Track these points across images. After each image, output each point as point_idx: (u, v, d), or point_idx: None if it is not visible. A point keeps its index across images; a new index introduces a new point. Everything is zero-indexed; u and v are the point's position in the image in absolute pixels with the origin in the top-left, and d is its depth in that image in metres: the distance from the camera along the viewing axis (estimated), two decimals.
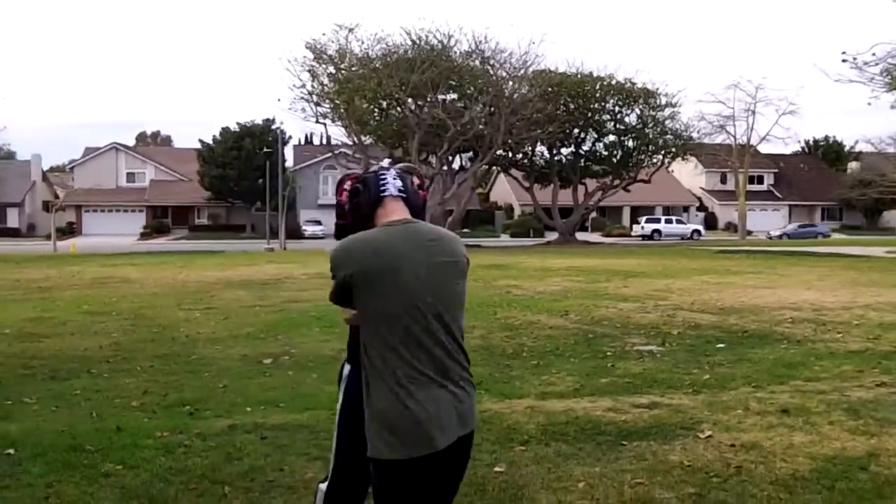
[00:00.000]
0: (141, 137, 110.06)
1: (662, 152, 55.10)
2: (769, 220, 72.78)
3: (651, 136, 53.28)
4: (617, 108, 52.69)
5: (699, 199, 76.06)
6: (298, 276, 21.89)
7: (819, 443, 5.73)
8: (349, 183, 3.11)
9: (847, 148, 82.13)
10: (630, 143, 53.62)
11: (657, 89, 52.14)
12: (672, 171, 67.96)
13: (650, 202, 67.94)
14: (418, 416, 2.75)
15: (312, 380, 8.40)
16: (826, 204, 76.07)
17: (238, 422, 6.50)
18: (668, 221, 63.23)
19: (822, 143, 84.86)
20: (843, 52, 31.80)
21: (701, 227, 64.27)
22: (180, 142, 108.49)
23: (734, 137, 62.26)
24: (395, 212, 3.02)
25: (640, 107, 52.62)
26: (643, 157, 54.88)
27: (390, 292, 2.82)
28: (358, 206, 3.06)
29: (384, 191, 3.03)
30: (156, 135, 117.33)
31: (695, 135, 57.25)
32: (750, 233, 63.76)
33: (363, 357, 2.88)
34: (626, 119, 53.15)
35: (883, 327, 11.69)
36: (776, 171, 77.98)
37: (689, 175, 75.11)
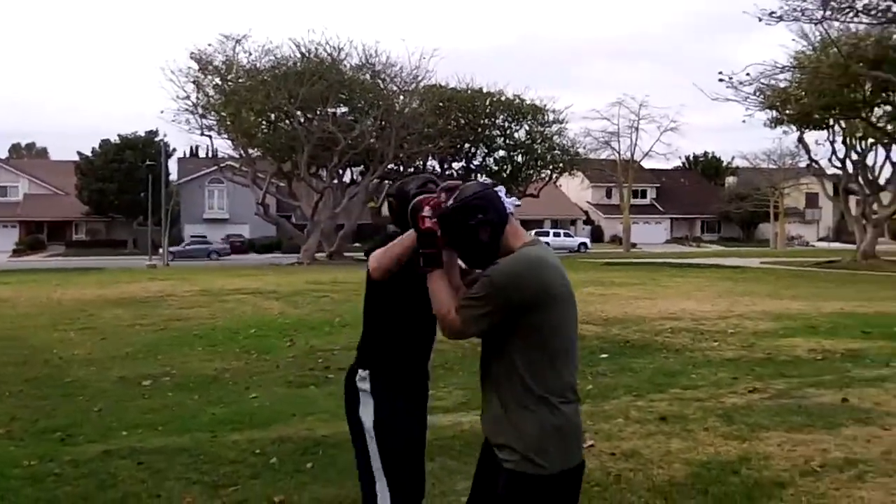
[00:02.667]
0: (14, 149, 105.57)
1: (550, 167, 56.17)
2: (652, 233, 75.11)
3: (540, 151, 54.24)
4: (506, 124, 53.47)
5: (586, 212, 77.83)
6: (181, 293, 21.31)
7: (694, 448, 5.89)
8: (429, 209, 2.84)
9: (725, 163, 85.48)
10: (519, 158, 54.48)
11: (545, 106, 53.25)
12: (560, 185, 69.31)
13: (539, 216, 69.07)
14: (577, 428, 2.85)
15: (194, 401, 8.18)
16: (706, 217, 78.95)
17: (113, 447, 6.25)
18: (557, 235, 64.31)
19: (701, 159, 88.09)
20: (720, 72, 33.12)
21: (587, 240, 65.64)
22: (57, 154, 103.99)
23: (618, 153, 63.95)
24: (521, 234, 2.95)
25: (529, 123, 53.53)
26: (532, 171, 55.84)
27: (568, 315, 2.88)
28: (488, 227, 2.82)
29: (508, 208, 2.92)
30: (30, 146, 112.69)
31: (581, 150, 58.63)
32: (634, 245, 65.48)
33: (508, 380, 2.80)
34: (516, 135, 53.97)
35: (757, 335, 12.16)
36: (658, 185, 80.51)
37: (576, 189, 76.84)
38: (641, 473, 5.37)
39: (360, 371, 3.42)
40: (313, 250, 43.78)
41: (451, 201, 2.88)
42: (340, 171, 47.75)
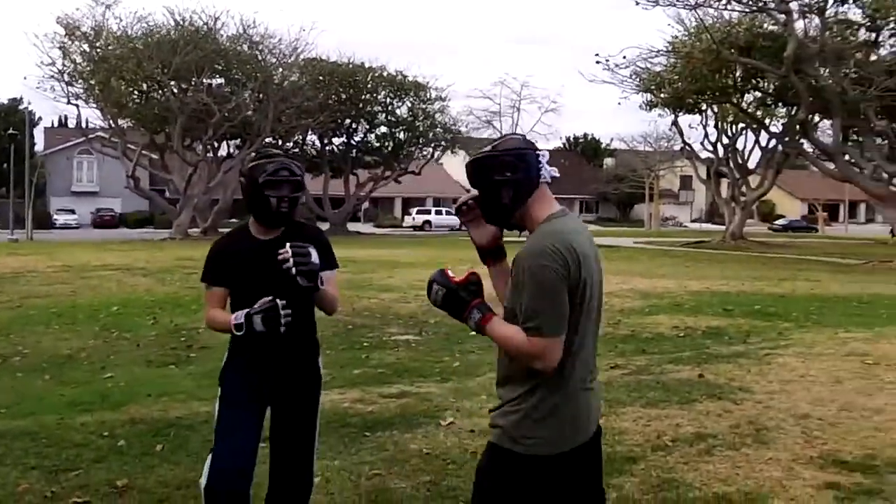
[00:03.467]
0: None
1: (433, 145, 56.19)
2: None
3: (422, 128, 54.09)
4: (388, 100, 53.06)
5: (468, 191, 77.88)
6: (43, 269, 20.34)
7: None
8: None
9: (604, 145, 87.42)
10: (401, 135, 54.18)
11: (428, 83, 53.02)
12: (442, 163, 69.51)
13: (421, 193, 69.17)
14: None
15: (44, 382, 7.80)
16: (584, 197, 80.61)
17: None
18: (439, 212, 64.53)
19: (581, 140, 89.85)
20: (597, 55, 33.61)
21: None
22: None
23: (500, 132, 64.45)
24: (550, 203, 2.70)
25: (412, 100, 53.28)
26: (414, 149, 55.69)
27: (594, 295, 2.63)
28: (511, 188, 2.63)
29: (542, 176, 2.69)
30: None
31: (463, 129, 58.77)
32: None
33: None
34: (398, 111, 53.64)
35: (623, 313, 12.44)
36: None
37: (458, 168, 77.11)
38: None
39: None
40: (186, 225, 42.55)
41: (489, 148, 2.74)
42: (216, 144, 46.44)
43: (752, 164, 45.17)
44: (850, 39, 29.64)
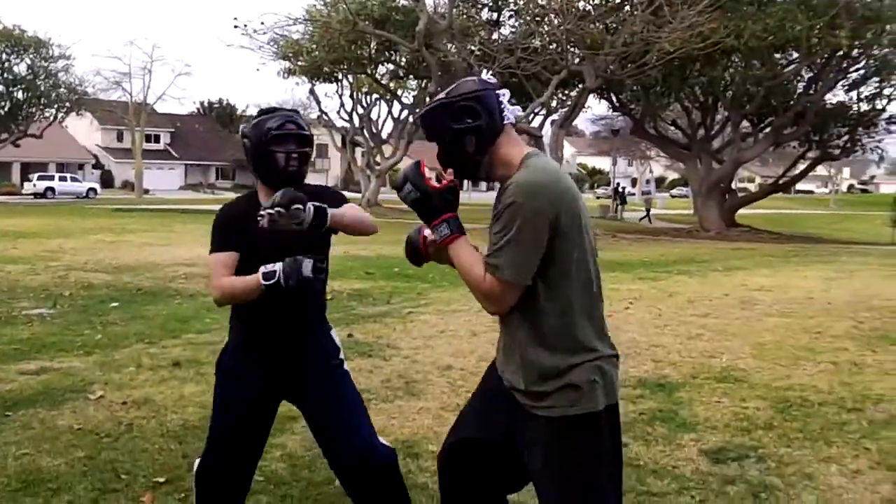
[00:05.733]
0: None
1: (56, 106, 52.08)
2: (167, 179, 73.32)
3: (43, 88, 49.90)
4: (4, 57, 48.21)
5: (95, 156, 73.50)
6: None
7: (208, 391, 5.82)
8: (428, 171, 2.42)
9: (239, 111, 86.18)
10: (20, 95, 49.58)
11: (49, 39, 49.03)
12: (66, 126, 64.53)
13: (43, 159, 63.69)
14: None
15: None
16: (220, 164, 79.02)
17: None
18: (63, 179, 59.76)
19: (216, 106, 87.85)
20: (235, 19, 33.08)
21: (97, 186, 62.01)
22: None
23: (130, 95, 61.18)
24: (520, 143, 2.38)
25: (31, 56, 48.89)
26: (34, 110, 51.32)
27: (585, 238, 2.41)
28: (474, 136, 2.34)
29: (506, 118, 2.37)
30: None
31: (90, 90, 55.12)
32: (147, 191, 63.46)
33: (548, 323, 2.40)
34: (16, 69, 48.96)
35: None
36: (173, 130, 78.68)
37: (84, 132, 72.08)
38: (154, 420, 5.20)
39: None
40: None
41: (442, 95, 2.42)
42: None
43: (385, 134, 47.09)
44: (475, 18, 31.86)
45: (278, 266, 2.91)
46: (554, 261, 2.36)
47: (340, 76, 42.68)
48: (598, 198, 69.07)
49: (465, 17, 31.05)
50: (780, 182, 38.84)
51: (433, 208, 2.43)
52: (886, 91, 31.53)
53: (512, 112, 2.46)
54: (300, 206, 2.80)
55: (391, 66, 40.17)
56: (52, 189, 57.24)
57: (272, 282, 2.90)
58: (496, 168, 2.46)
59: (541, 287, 2.38)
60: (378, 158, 46.10)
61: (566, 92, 33.37)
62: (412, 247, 2.64)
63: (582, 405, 2.41)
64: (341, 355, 3.37)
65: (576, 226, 2.38)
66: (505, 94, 2.47)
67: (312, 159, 3.34)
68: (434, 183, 2.42)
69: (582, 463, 2.44)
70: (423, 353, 7.25)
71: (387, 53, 37.17)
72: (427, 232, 2.57)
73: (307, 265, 2.89)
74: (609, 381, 2.48)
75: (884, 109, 32.60)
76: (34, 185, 57.53)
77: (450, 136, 2.42)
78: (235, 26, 33.23)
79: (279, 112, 3.19)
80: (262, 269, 2.93)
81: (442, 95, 2.48)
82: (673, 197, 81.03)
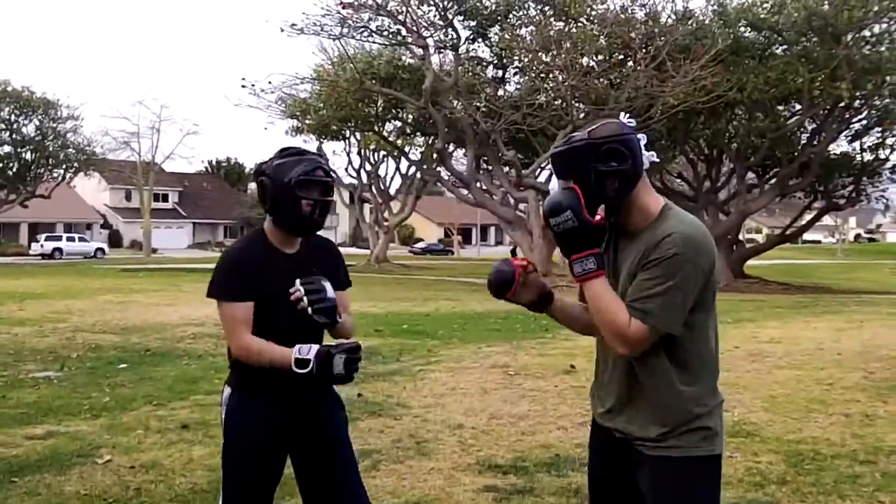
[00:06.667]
0: None
1: (64, 166, 52.53)
2: (175, 238, 73.69)
3: (52, 149, 50.38)
4: (13, 118, 48.81)
5: (103, 216, 74.02)
6: None
7: (216, 454, 5.77)
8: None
9: (247, 169, 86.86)
10: (28, 156, 50.07)
11: (58, 100, 49.66)
12: (74, 186, 65.14)
13: (51, 219, 64.13)
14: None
15: None
16: (228, 222, 79.39)
17: None
18: (71, 239, 60.16)
19: (224, 164, 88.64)
20: (243, 79, 33.48)
21: (105, 245, 62.39)
22: None
23: (139, 155, 61.79)
24: (654, 191, 2.39)
25: (40, 117, 49.47)
26: (43, 170, 51.73)
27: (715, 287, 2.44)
28: (617, 179, 2.31)
29: (643, 163, 2.35)
30: None
31: (98, 150, 55.60)
32: (155, 250, 63.71)
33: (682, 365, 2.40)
34: (24, 129, 49.54)
35: None
36: (181, 189, 79.32)
37: (92, 191, 72.70)
38: (163, 484, 5.14)
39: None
40: None
41: (585, 135, 2.36)
42: None
43: (393, 190, 47.34)
44: (480, 75, 32.24)
45: (312, 355, 2.85)
46: (698, 308, 2.37)
47: (348, 134, 43.05)
48: None
49: (470, 74, 31.40)
50: (788, 232, 38.77)
51: (587, 240, 2.35)
52: (889, 141, 31.59)
53: (647, 158, 2.43)
54: (330, 308, 2.94)
55: (398, 124, 40.52)
56: (59, 249, 57.52)
57: (304, 370, 2.86)
58: (633, 214, 2.42)
59: (686, 334, 2.38)
60: (386, 214, 46.30)
61: None
62: (502, 278, 2.49)
63: (710, 447, 2.44)
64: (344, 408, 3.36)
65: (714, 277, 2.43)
66: (643, 138, 2.44)
67: None
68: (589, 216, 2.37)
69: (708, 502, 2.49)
70: (434, 411, 7.19)
71: (394, 111, 37.52)
72: (520, 261, 2.50)
73: (339, 363, 2.84)
74: (724, 426, 2.53)
75: (887, 159, 32.61)
76: (42, 246, 57.81)
77: (593, 178, 2.35)
78: (243, 86, 33.75)
79: (309, 156, 3.09)
80: (296, 353, 2.86)
81: (584, 135, 2.40)
82: None
